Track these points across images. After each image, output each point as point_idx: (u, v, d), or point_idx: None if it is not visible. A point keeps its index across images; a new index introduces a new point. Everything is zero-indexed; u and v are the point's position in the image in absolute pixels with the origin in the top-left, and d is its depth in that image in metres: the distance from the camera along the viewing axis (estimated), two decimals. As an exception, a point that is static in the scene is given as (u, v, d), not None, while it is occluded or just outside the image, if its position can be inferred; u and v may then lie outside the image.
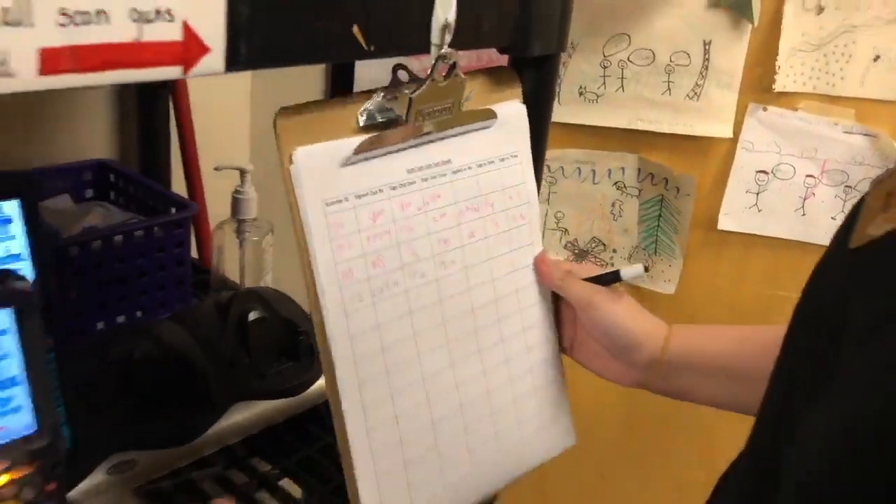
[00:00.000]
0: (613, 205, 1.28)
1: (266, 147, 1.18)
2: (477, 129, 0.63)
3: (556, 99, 1.20)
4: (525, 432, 0.69)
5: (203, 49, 0.43)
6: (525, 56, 0.62)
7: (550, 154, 1.24)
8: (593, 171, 1.26)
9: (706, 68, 1.17)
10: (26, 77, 0.37)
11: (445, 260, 0.62)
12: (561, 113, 1.21)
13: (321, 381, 0.83)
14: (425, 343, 0.61)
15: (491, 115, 0.63)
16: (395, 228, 0.58)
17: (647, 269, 0.67)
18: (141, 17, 0.40)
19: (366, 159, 0.56)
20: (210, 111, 1.10)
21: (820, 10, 1.15)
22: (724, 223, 1.24)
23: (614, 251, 1.31)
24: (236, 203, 0.96)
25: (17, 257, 0.63)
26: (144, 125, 1.04)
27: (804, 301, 0.47)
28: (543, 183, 1.25)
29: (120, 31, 0.39)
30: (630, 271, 0.66)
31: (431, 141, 0.60)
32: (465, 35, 0.55)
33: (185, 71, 0.42)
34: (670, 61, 1.17)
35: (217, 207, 1.08)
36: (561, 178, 1.27)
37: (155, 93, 1.04)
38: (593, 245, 1.31)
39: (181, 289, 0.94)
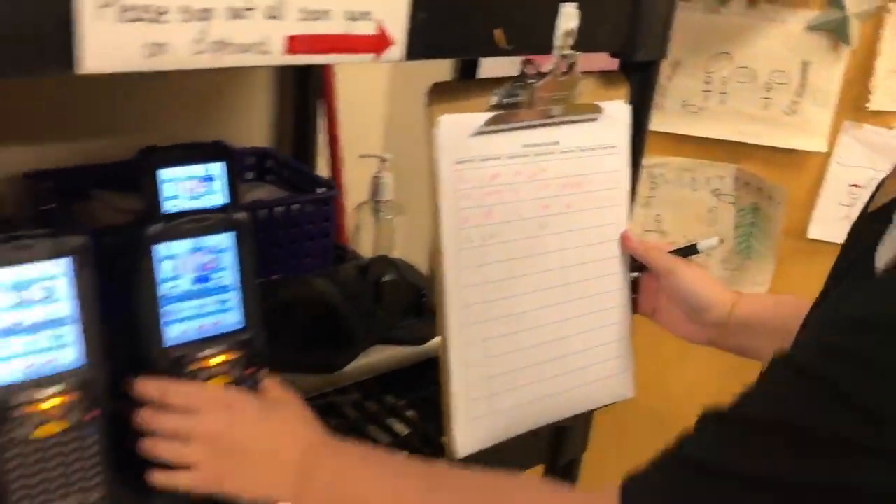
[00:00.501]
0: (710, 211, 1.38)
1: (399, 138, 1.35)
2: (585, 120, 0.76)
3: (661, 110, 1.32)
4: (589, 377, 0.82)
5: (389, 42, 0.58)
6: (632, 60, 0.75)
7: (653, 160, 1.35)
8: (693, 179, 1.36)
9: (803, 87, 1.26)
10: (276, 55, 0.52)
11: (544, 223, 0.75)
12: (665, 123, 1.32)
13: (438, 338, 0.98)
14: (518, 287, 0.75)
15: (598, 109, 0.77)
16: (507, 190, 0.72)
17: (721, 241, 0.79)
18: (351, 17, 0.55)
19: (492, 132, 0.70)
20: (353, 107, 1.27)
21: (918, 34, 1.22)
22: (814, 232, 1.32)
23: (709, 255, 1.40)
24: (375, 186, 1.12)
25: (217, 207, 0.80)
26: (298, 118, 1.22)
27: (837, 258, 0.58)
28: (645, 186, 1.36)
29: (338, 26, 0.54)
30: (706, 243, 0.79)
31: (546, 124, 0.74)
32: (583, 40, 0.69)
33: (377, 57, 0.58)
34: (769, 79, 1.27)
35: (352, 190, 1.25)
36: (662, 183, 1.38)
37: (308, 91, 1.21)
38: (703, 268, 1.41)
39: (325, 256, 1.10)
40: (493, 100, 0.70)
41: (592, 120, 0.77)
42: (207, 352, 0.63)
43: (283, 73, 1.21)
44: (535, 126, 0.73)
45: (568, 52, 0.68)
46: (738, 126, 1.30)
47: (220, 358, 0.64)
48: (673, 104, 1.31)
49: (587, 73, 0.75)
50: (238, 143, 1.20)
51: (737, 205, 1.36)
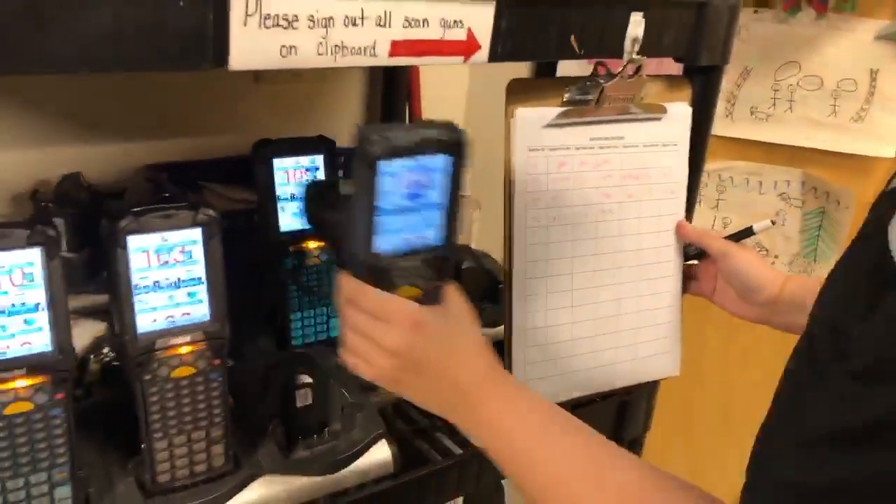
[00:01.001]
0: (777, 214, 1.42)
1: (478, 137, 1.43)
2: (649, 119, 0.84)
3: (730, 116, 1.37)
4: (639, 354, 0.90)
5: (477, 47, 0.67)
6: (695, 65, 0.82)
7: (721, 164, 1.41)
8: (760, 183, 1.41)
9: (872, 94, 1.30)
10: (382, 57, 0.62)
11: (605, 209, 0.83)
12: (733, 129, 1.38)
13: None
14: (578, 265, 0.84)
15: (662, 109, 0.84)
16: (573, 177, 0.81)
17: (773, 223, 0.86)
18: (445, 24, 0.64)
19: (562, 125, 0.78)
20: (436, 108, 1.37)
21: None
22: (883, 236, 1.35)
23: (776, 257, 1.45)
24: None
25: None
26: (385, 119, 1.32)
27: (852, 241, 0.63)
28: (713, 190, 1.42)
29: (434, 32, 0.64)
30: (760, 225, 0.87)
31: (612, 121, 0.81)
32: (649, 45, 0.77)
33: (465, 60, 0.67)
34: (837, 87, 1.31)
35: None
36: (730, 186, 1.43)
37: (395, 94, 1.32)
38: (757, 250, 1.46)
39: (409, 245, 1.20)
40: (566, 96, 0.78)
41: (657, 119, 0.84)
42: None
43: (374, 77, 1.32)
44: (602, 122, 0.81)
45: (635, 56, 0.76)
46: (805, 132, 1.34)
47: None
48: (741, 111, 1.37)
49: (653, 77, 0.83)
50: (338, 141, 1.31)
51: (803, 208, 1.40)
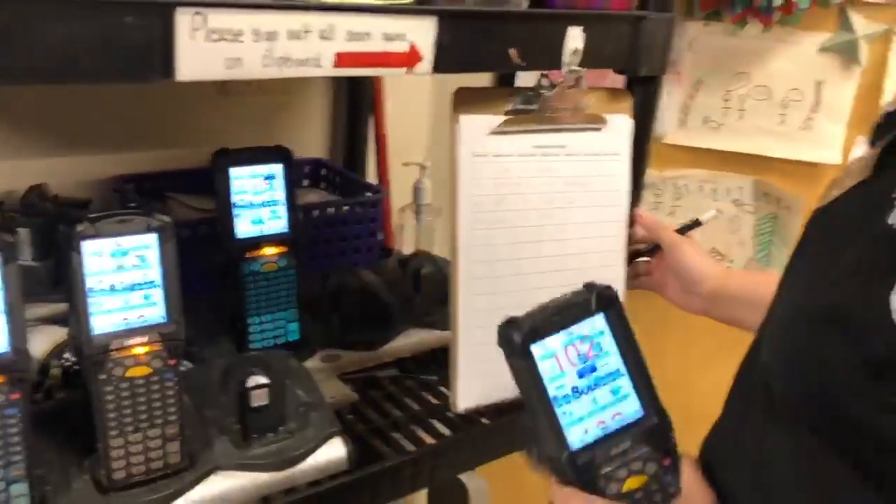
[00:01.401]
0: (732, 220, 1.47)
1: (440, 147, 1.47)
2: (590, 129, 0.88)
3: (684, 126, 1.42)
4: None
5: (419, 58, 0.70)
6: (635, 75, 0.86)
7: (677, 172, 1.45)
8: (714, 189, 1.45)
9: (818, 104, 1.35)
10: (327, 68, 0.65)
11: (548, 214, 0.87)
12: (687, 138, 1.42)
13: (472, 323, 1.09)
14: (522, 267, 0.87)
15: (602, 120, 0.88)
16: (516, 182, 0.85)
17: (719, 212, 0.93)
18: (388, 38, 0.68)
19: (506, 132, 0.82)
20: (399, 121, 1.40)
21: (925, 54, 1.30)
22: (832, 240, 1.40)
23: (731, 261, 1.49)
24: (417, 191, 1.24)
25: (277, 202, 0.93)
26: (350, 131, 1.36)
27: (796, 245, 0.66)
28: (669, 196, 1.46)
29: (376, 45, 0.67)
30: (707, 215, 0.95)
31: (555, 130, 0.85)
32: (589, 57, 0.81)
33: (408, 71, 0.70)
34: (785, 96, 1.36)
35: (398, 194, 1.38)
36: (686, 193, 1.48)
37: (359, 106, 1.35)
38: (712, 255, 1.50)
39: (372, 252, 1.23)
40: (510, 105, 0.82)
41: (597, 129, 0.88)
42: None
43: (338, 90, 1.35)
44: (545, 131, 0.85)
45: (574, 67, 0.80)
46: (756, 140, 1.39)
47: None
48: (695, 120, 1.41)
49: (594, 88, 0.87)
50: (297, 154, 1.34)
51: (756, 214, 1.44)
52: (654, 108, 0.92)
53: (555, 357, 0.53)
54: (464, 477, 1.48)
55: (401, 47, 0.69)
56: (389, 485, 0.85)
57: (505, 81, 1.43)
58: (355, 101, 1.35)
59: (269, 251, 0.92)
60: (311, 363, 0.96)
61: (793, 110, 1.36)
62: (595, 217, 0.90)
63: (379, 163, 1.37)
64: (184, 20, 0.57)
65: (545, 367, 0.53)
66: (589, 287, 0.56)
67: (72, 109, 1.13)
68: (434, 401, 0.98)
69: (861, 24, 1.29)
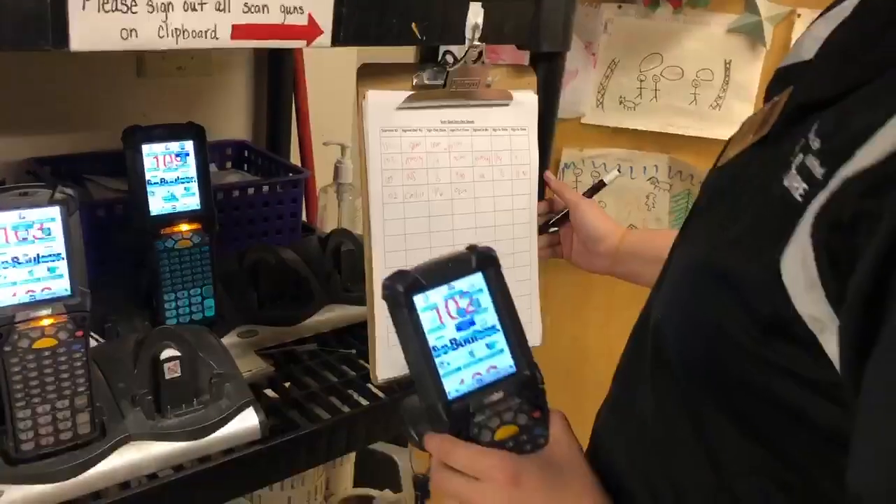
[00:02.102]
0: (648, 197, 1.52)
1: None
2: (497, 105, 0.91)
3: (601, 106, 1.46)
4: None
5: (318, 31, 0.72)
6: (537, 51, 0.89)
7: (595, 152, 1.49)
8: (631, 168, 1.50)
9: (727, 83, 1.41)
10: (223, 40, 0.67)
11: (459, 188, 0.90)
12: (604, 118, 1.46)
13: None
14: (436, 240, 0.90)
15: (508, 96, 0.91)
16: (426, 157, 0.87)
17: (620, 172, 1.00)
18: (285, 10, 0.69)
19: (413, 108, 0.84)
20: (322, 96, 1.41)
21: (825, 36, 1.36)
22: (742, 215, 1.45)
23: (649, 238, 1.54)
24: (338, 171, 1.26)
25: (190, 179, 0.94)
26: (272, 112, 1.36)
27: (694, 202, 0.68)
28: (588, 176, 1.50)
29: (274, 17, 0.69)
30: (610, 176, 1.00)
31: (462, 106, 0.88)
32: (490, 33, 0.83)
33: (308, 44, 0.72)
34: (696, 77, 1.41)
35: (321, 175, 1.39)
36: (604, 172, 1.52)
37: (280, 87, 1.36)
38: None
39: (294, 231, 1.24)
40: (415, 80, 0.84)
41: (504, 105, 0.91)
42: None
43: (259, 72, 1.36)
44: (452, 106, 0.87)
45: (476, 43, 0.82)
46: (670, 119, 1.44)
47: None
48: (611, 101, 1.46)
49: (497, 65, 0.89)
50: (219, 136, 1.34)
51: (671, 191, 1.50)
52: (557, 83, 0.95)
53: (436, 310, 0.56)
54: (392, 449, 1.51)
55: (299, 20, 0.70)
56: (305, 453, 0.87)
57: (428, 58, 1.46)
58: (277, 82, 1.36)
59: (184, 228, 0.93)
60: (228, 339, 0.97)
61: (703, 89, 1.42)
62: (506, 190, 0.93)
63: (301, 143, 1.39)
64: (75, -10, 0.58)
65: (426, 319, 0.55)
66: (471, 248, 0.59)
67: (-16, 90, 1.12)
68: (352, 373, 1.00)
69: (766, 6, 1.35)
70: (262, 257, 1.06)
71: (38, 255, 0.70)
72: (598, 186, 1.01)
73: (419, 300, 0.55)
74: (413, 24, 0.78)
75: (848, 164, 0.40)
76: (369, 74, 0.82)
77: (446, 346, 0.56)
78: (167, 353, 0.80)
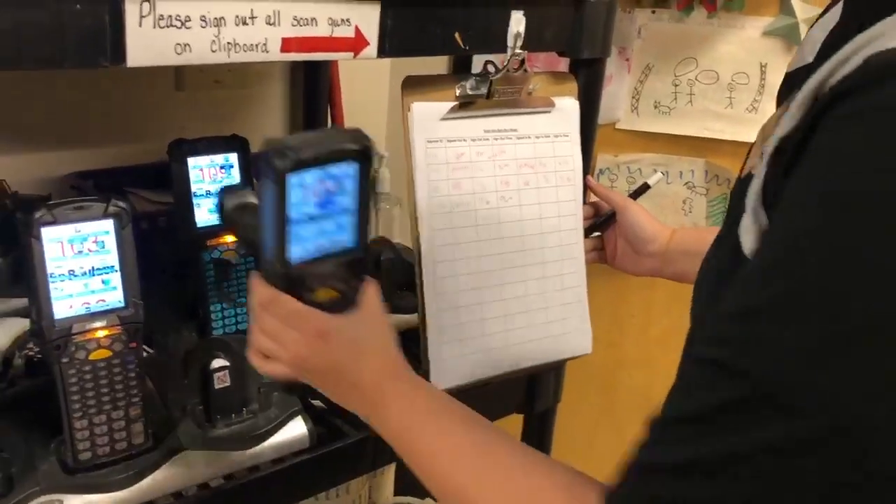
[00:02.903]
0: (684, 202, 1.51)
1: (397, 137, 1.49)
2: (539, 112, 0.91)
3: (635, 111, 1.46)
4: (551, 332, 0.96)
5: (365, 43, 0.73)
6: (577, 58, 0.89)
7: (630, 157, 1.49)
8: (667, 173, 1.49)
9: (763, 86, 1.40)
10: (273, 53, 0.68)
11: (505, 196, 0.90)
12: (639, 123, 1.46)
13: (431, 306, 1.12)
14: (485, 248, 0.90)
15: (550, 103, 0.91)
16: (471, 166, 0.87)
17: (664, 174, 0.96)
18: (333, 23, 0.70)
19: (457, 118, 0.85)
20: (356, 107, 1.42)
21: (862, 36, 1.35)
22: (780, 218, 1.44)
23: (686, 243, 1.53)
24: (374, 180, 1.27)
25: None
26: (308, 123, 1.38)
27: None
28: (623, 181, 1.50)
29: (322, 30, 0.69)
30: (653, 178, 1.01)
31: (504, 114, 0.88)
32: (531, 41, 0.83)
33: (355, 55, 0.73)
34: (732, 80, 1.41)
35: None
36: (640, 177, 1.51)
37: (317, 98, 1.37)
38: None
39: (332, 241, 1.25)
40: (458, 91, 0.85)
41: (546, 112, 0.91)
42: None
43: (294, 83, 1.37)
44: (494, 115, 0.87)
45: (518, 51, 0.83)
46: (705, 123, 1.43)
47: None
48: (646, 105, 1.45)
49: (539, 72, 0.90)
50: (256, 148, 1.35)
51: (707, 196, 1.49)
52: (597, 89, 0.95)
53: (303, 187, 0.60)
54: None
55: (346, 32, 0.71)
56: (352, 461, 0.87)
57: (460, 66, 1.46)
58: (313, 92, 1.37)
59: (229, 239, 0.94)
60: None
61: (739, 93, 1.41)
62: (551, 197, 0.93)
63: (338, 154, 1.39)
64: (132, 6, 0.59)
65: (293, 193, 0.60)
66: (355, 131, 0.63)
67: (29, 106, 1.14)
68: (395, 381, 1.00)
69: (801, 7, 1.34)
70: (304, 267, 1.06)
71: (92, 267, 0.72)
72: (642, 189, 1.01)
73: (293, 178, 0.59)
74: (456, 34, 0.78)
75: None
76: (414, 86, 0.83)
77: (301, 217, 0.61)
78: (216, 363, 0.81)
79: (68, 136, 1.19)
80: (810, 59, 0.54)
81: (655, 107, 1.45)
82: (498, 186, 0.89)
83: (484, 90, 0.85)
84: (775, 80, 1.38)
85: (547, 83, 0.91)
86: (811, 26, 0.57)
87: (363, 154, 0.63)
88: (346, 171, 0.62)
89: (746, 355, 0.40)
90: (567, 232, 0.96)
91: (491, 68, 0.86)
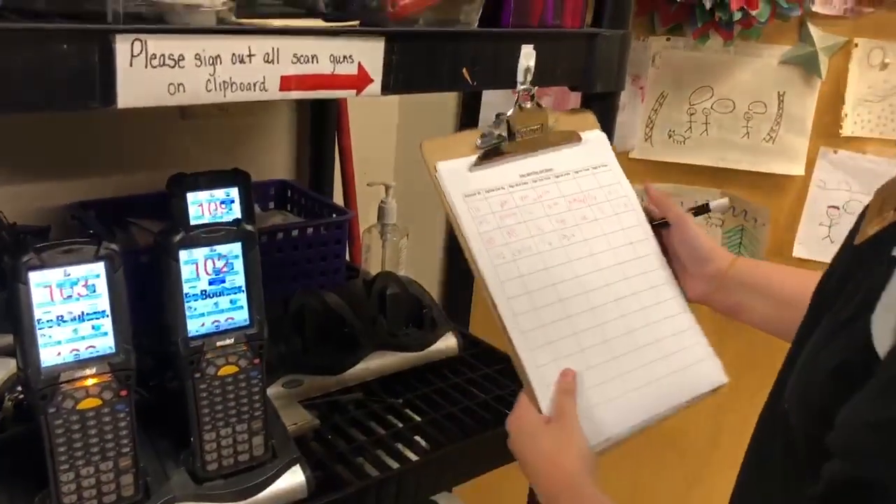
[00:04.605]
0: (700, 233, 1.47)
1: (405, 167, 1.47)
2: (567, 148, 0.87)
3: (649, 140, 1.42)
4: (673, 367, 0.84)
5: (369, 80, 0.70)
6: (590, 92, 0.86)
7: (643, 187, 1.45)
8: (682, 203, 1.46)
9: (780, 115, 1.36)
10: (272, 92, 0.65)
11: (566, 234, 0.83)
12: (653, 152, 1.43)
13: (438, 343, 1.08)
14: (565, 290, 0.81)
15: (576, 137, 0.87)
16: (519, 211, 0.82)
17: (730, 203, 0.88)
18: (335, 59, 0.67)
19: (486, 167, 0.82)
20: (364, 141, 1.40)
21: (884, 66, 1.32)
22: (799, 251, 1.40)
23: (701, 274, 1.49)
24: (382, 211, 1.24)
25: (238, 221, 0.92)
26: (315, 152, 1.35)
27: (819, 283, 0.60)
28: (636, 211, 1.46)
29: (324, 67, 0.66)
30: (717, 203, 0.91)
31: (534, 155, 0.84)
32: (542, 75, 0.81)
33: (358, 93, 0.70)
34: (748, 109, 1.37)
35: (364, 215, 1.37)
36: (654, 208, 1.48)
37: (324, 127, 1.35)
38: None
39: (337, 274, 1.22)
40: (479, 141, 0.82)
41: (575, 147, 0.87)
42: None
43: (301, 112, 1.34)
44: (524, 158, 0.83)
45: (528, 86, 0.80)
46: (721, 153, 1.40)
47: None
48: (660, 134, 1.42)
49: (556, 111, 0.86)
50: (261, 176, 1.33)
51: (723, 227, 1.45)
52: (611, 124, 0.92)
53: (195, 264, 0.71)
54: (438, 497, 1.47)
55: (349, 69, 0.68)
56: (353, 511, 0.84)
57: (470, 100, 1.44)
58: (320, 121, 1.34)
59: (228, 276, 0.91)
60: (273, 389, 0.94)
61: (756, 122, 1.37)
62: (614, 226, 0.87)
63: (345, 183, 1.37)
64: (123, 47, 0.57)
65: (186, 270, 0.71)
66: (235, 222, 0.74)
67: (29, 136, 1.12)
68: (399, 424, 0.97)
69: (820, 36, 1.31)
70: (307, 302, 1.03)
71: (82, 312, 0.69)
72: (702, 210, 0.92)
73: (183, 254, 0.71)
74: (464, 69, 0.76)
75: None
76: (434, 149, 0.80)
77: (197, 294, 0.72)
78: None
79: (69, 165, 1.17)
80: None
81: (670, 136, 1.42)
82: (555, 226, 0.83)
83: (504, 131, 0.82)
84: (794, 109, 1.35)
85: (567, 120, 0.87)
86: None
87: (247, 234, 0.73)
88: (232, 250, 0.73)
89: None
90: (646, 258, 0.87)
91: (502, 118, 0.83)
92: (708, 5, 1.23)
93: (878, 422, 0.40)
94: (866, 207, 0.56)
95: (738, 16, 1.24)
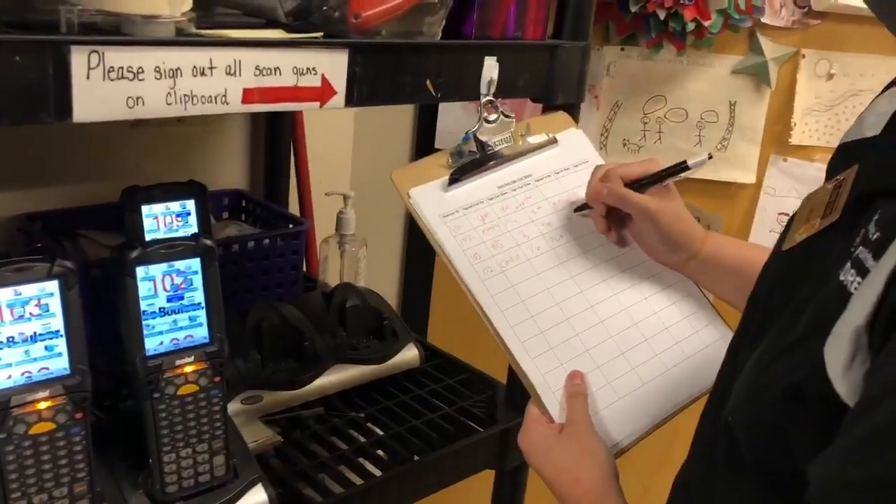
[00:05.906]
0: (654, 240, 1.49)
1: (362, 176, 1.45)
2: (544, 151, 0.86)
3: (604, 149, 1.43)
4: (688, 352, 0.81)
5: (332, 92, 0.69)
6: (551, 104, 0.86)
7: (599, 195, 1.46)
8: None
9: (732, 124, 1.39)
10: (234, 105, 0.63)
11: (553, 236, 0.82)
12: (607, 160, 1.43)
13: (399, 355, 1.07)
14: (559, 292, 0.79)
15: (552, 140, 0.87)
16: (501, 222, 0.81)
17: (710, 157, 0.77)
18: (298, 72, 0.66)
19: (462, 185, 0.81)
20: (320, 150, 1.38)
21: (830, 76, 1.35)
22: (750, 257, 1.43)
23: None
24: (340, 221, 1.22)
25: (196, 235, 0.90)
26: (270, 161, 1.33)
27: (754, 291, 0.59)
28: (593, 219, 1.47)
29: (287, 79, 0.65)
30: (694, 160, 0.77)
31: (510, 165, 0.84)
32: (505, 87, 0.80)
33: (322, 105, 0.69)
34: (701, 118, 1.39)
35: (321, 225, 1.35)
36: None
37: (279, 135, 1.32)
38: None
39: (294, 286, 1.20)
40: (450, 159, 0.81)
41: (552, 149, 0.87)
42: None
43: (256, 120, 1.32)
44: (499, 168, 0.83)
45: (490, 97, 0.79)
46: (674, 161, 1.41)
47: (192, 367, 0.73)
48: (615, 142, 1.43)
49: (531, 118, 0.86)
50: (215, 186, 1.30)
51: (678, 234, 1.47)
52: (573, 135, 0.92)
53: (153, 281, 0.70)
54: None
55: (313, 81, 0.67)
56: (316, 529, 0.82)
57: (427, 110, 1.43)
58: (275, 129, 1.32)
59: (185, 291, 0.88)
60: (233, 405, 0.92)
61: (708, 131, 1.40)
62: None
63: (301, 193, 1.35)
64: (79, 59, 0.55)
65: (143, 287, 0.69)
66: (194, 237, 0.72)
67: (-29, 146, 1.07)
68: (362, 439, 0.96)
69: (770, 47, 1.33)
70: (266, 316, 1.01)
71: (35, 332, 0.66)
72: (675, 170, 0.78)
73: (140, 271, 0.69)
74: (428, 81, 0.75)
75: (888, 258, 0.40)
76: (404, 176, 0.79)
77: (155, 312, 0.70)
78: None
79: (14, 175, 1.13)
80: (871, 133, 0.51)
81: (624, 144, 1.43)
82: (541, 230, 0.82)
83: (472, 146, 0.81)
84: (745, 118, 1.38)
85: (540, 124, 0.87)
86: (875, 98, 0.54)
87: (206, 250, 0.71)
88: (191, 266, 0.71)
89: None
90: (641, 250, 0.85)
91: (469, 136, 0.82)
92: (662, 16, 1.25)
93: (862, 480, 0.38)
94: (794, 215, 0.57)
95: (691, 26, 1.26)
